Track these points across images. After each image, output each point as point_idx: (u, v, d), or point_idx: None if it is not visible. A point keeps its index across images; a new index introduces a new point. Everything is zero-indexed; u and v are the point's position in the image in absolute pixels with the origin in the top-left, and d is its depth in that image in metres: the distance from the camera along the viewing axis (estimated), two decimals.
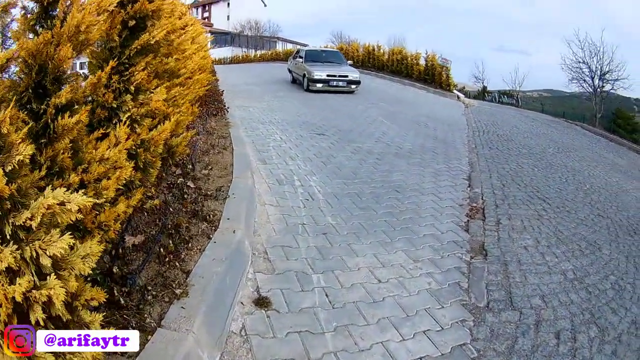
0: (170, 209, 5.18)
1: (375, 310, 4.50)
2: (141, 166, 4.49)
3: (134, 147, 4.25)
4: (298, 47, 34.96)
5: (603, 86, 40.71)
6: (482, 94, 45.50)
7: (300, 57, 22.71)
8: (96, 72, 3.78)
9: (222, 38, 64.53)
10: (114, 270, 3.70)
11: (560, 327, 4.65)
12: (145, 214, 4.87)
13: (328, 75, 20.55)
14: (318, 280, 4.91)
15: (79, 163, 3.18)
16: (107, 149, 3.44)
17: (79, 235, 2.94)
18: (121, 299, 3.44)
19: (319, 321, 4.24)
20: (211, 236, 4.84)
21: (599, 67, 40.31)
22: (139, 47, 4.44)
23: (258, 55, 53.34)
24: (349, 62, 24.91)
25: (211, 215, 5.28)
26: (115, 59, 4.15)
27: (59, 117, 2.93)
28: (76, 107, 3.16)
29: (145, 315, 3.44)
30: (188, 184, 6.00)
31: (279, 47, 60.71)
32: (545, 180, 10.10)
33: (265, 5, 78.09)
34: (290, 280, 4.83)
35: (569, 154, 14.09)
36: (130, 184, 4.19)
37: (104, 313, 2.81)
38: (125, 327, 3.16)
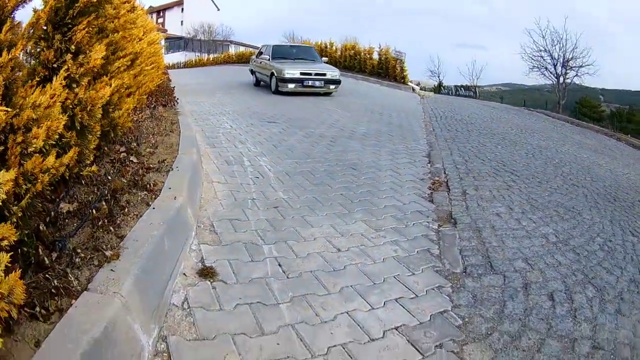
0: (110, 178, 4.70)
1: (336, 279, 3.98)
2: (78, 127, 4.18)
3: (70, 106, 4.02)
4: (251, 49, 33.78)
5: (566, 73, 39.37)
6: (438, 88, 44.94)
7: (266, 55, 19.73)
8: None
9: (176, 43, 65.21)
10: (41, 227, 3.23)
11: (553, 288, 4.21)
12: (84, 183, 4.42)
13: (302, 74, 17.67)
14: (270, 250, 4.39)
15: (12, 108, 2.90)
16: (40, 96, 3.18)
17: None
18: (46, 259, 3.00)
19: (272, 292, 3.69)
20: (150, 203, 4.31)
21: (562, 55, 39.05)
22: (82, 5, 4.19)
23: (211, 59, 53.67)
24: (324, 59, 21.93)
25: (152, 185, 4.75)
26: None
27: None
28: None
29: (72, 278, 2.95)
30: (131, 159, 5.55)
31: (232, 50, 61.07)
32: (511, 156, 9.76)
33: (218, 10, 78.62)
34: (238, 251, 4.30)
35: (533, 135, 13.83)
36: (67, 147, 3.83)
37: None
38: (48, 289, 2.75)
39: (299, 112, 13.19)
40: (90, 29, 4.38)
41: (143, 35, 8.08)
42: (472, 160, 8.85)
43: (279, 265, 4.13)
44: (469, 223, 5.56)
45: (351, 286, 3.89)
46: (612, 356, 3.47)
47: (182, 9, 75.84)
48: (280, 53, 19.85)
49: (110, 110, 5.19)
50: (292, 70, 17.63)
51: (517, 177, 8.01)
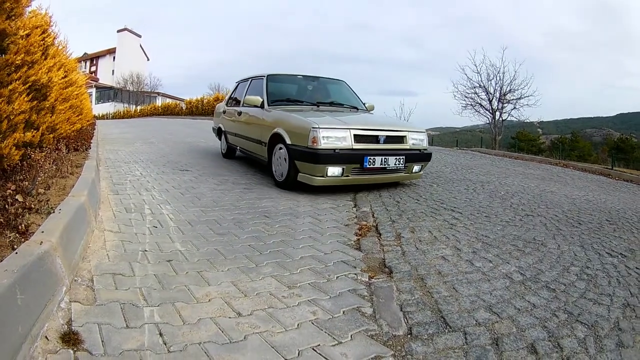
0: None
1: (232, 354, 2.92)
2: None
3: None
4: (177, 101, 32.30)
5: (503, 107, 37.91)
6: None
7: (255, 96, 9.67)
8: None
9: (106, 94, 69.27)
10: None
11: (532, 337, 3.33)
12: None
13: (361, 137, 7.84)
14: (151, 314, 3.37)
15: None
16: None
17: None
18: None
19: None
20: (16, 247, 3.47)
21: (498, 89, 37.63)
22: None
23: (138, 110, 56.66)
24: (366, 104, 10.66)
25: (23, 226, 3.96)
26: None
27: None
28: None
29: None
30: (16, 197, 4.82)
31: (159, 102, 63.87)
32: (449, 194, 9.01)
33: (148, 59, 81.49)
34: (113, 314, 3.30)
35: (471, 171, 13.35)
36: None
37: None
38: None
39: (216, 161, 12.43)
40: None
41: (58, 71, 7.62)
42: (404, 201, 7.98)
43: (160, 334, 3.10)
44: (408, 271, 4.62)
45: None
46: None
47: (114, 58, 78.83)
48: (285, 92, 10.09)
49: None
50: (334, 131, 7.70)
51: (460, 214, 7.24)
